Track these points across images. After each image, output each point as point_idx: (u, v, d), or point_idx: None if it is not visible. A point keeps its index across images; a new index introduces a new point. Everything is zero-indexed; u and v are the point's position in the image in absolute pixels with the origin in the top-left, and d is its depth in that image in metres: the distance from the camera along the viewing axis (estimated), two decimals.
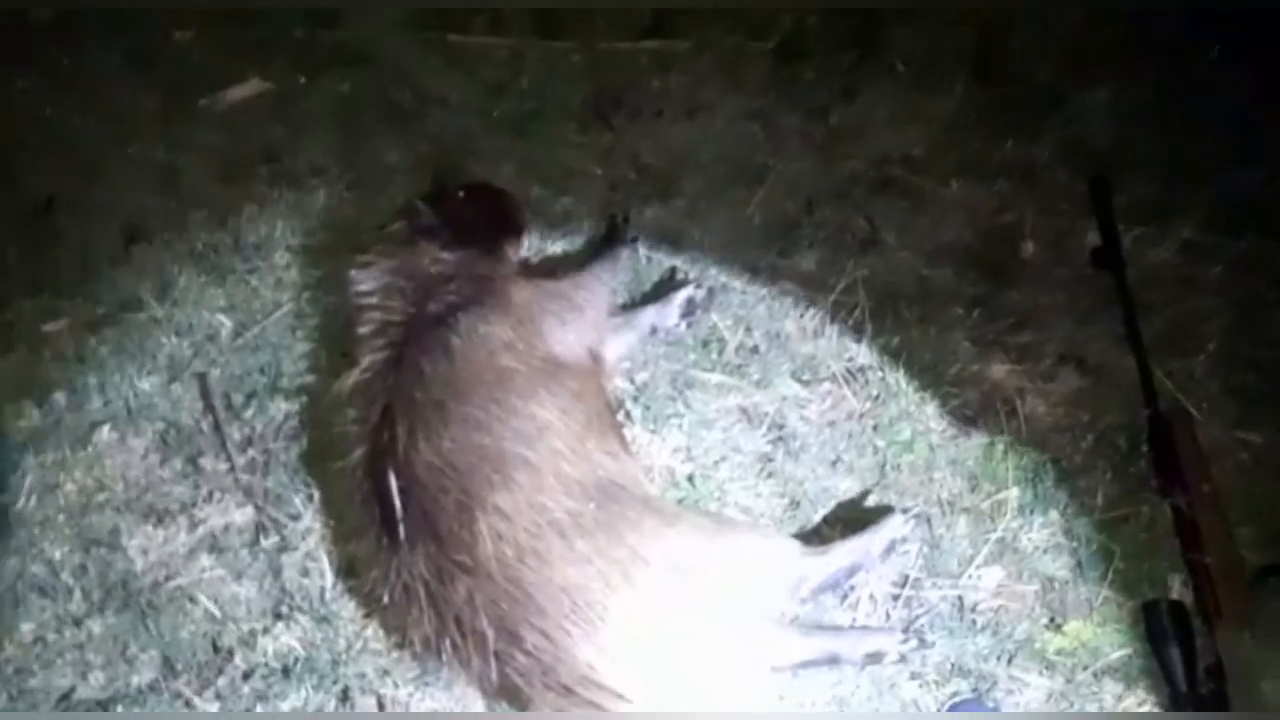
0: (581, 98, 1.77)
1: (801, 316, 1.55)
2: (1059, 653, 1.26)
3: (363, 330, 1.30)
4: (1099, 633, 1.27)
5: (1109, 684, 1.24)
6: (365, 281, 1.33)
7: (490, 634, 1.08)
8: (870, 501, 1.37)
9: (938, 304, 1.56)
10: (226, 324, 1.54)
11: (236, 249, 1.62)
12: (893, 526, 1.24)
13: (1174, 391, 1.46)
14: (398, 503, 1.15)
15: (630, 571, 1.11)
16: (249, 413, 1.45)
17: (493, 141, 1.73)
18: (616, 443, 1.29)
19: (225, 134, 1.77)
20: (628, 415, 1.43)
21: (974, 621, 1.28)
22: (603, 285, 1.45)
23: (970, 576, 1.31)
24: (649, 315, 1.50)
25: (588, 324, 1.38)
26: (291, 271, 1.59)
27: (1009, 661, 1.25)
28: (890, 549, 1.26)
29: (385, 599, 1.17)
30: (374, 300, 1.32)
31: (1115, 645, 1.26)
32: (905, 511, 1.29)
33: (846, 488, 1.39)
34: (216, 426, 1.44)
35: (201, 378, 1.48)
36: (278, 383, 1.47)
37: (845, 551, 1.22)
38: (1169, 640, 1.21)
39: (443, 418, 1.18)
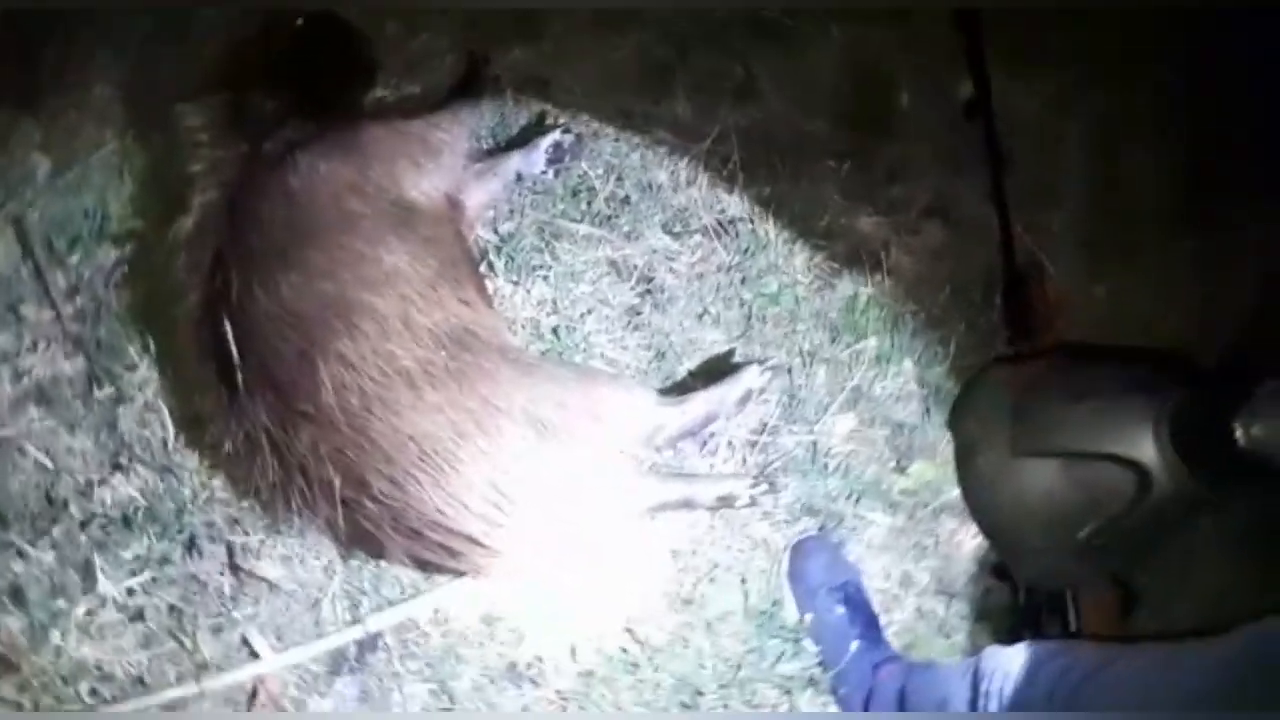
0: None
1: (674, 167, 1.50)
2: (903, 492, 1.33)
3: (194, 169, 1.20)
4: (940, 473, 1.33)
5: (946, 520, 1.32)
6: (193, 116, 1.22)
7: (337, 481, 1.06)
8: (736, 355, 1.38)
9: (811, 155, 1.53)
10: (43, 162, 1.40)
11: (51, 80, 1.44)
12: (749, 377, 1.26)
13: (1031, 246, 1.50)
14: (234, 352, 1.09)
15: (482, 420, 1.09)
16: (74, 259, 1.34)
17: None
18: (474, 291, 1.24)
19: None
20: (490, 266, 1.39)
21: (826, 465, 1.33)
22: (462, 126, 1.37)
23: (825, 423, 1.35)
24: (514, 161, 1.43)
25: (445, 168, 1.31)
26: (115, 107, 1.43)
27: (856, 501, 1.31)
28: (746, 399, 1.27)
29: (228, 449, 1.12)
30: (204, 137, 1.21)
31: (954, 484, 1.32)
32: (763, 363, 1.31)
33: (712, 340, 1.39)
34: (38, 273, 1.32)
35: (18, 221, 1.35)
36: (104, 227, 1.35)
37: (701, 401, 1.23)
38: None
39: (282, 263, 1.11)
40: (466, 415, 1.09)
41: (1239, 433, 0.67)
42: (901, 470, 1.33)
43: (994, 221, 1.47)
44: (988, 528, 1.15)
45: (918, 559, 1.31)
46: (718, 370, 1.35)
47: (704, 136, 1.51)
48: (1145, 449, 0.88)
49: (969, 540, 1.31)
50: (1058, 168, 1.57)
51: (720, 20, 1.61)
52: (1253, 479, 0.70)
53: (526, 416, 1.11)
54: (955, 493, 1.32)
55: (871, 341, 1.41)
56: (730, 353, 1.38)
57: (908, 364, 1.40)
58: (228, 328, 1.10)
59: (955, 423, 1.19)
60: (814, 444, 1.33)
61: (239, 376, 1.09)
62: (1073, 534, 1.04)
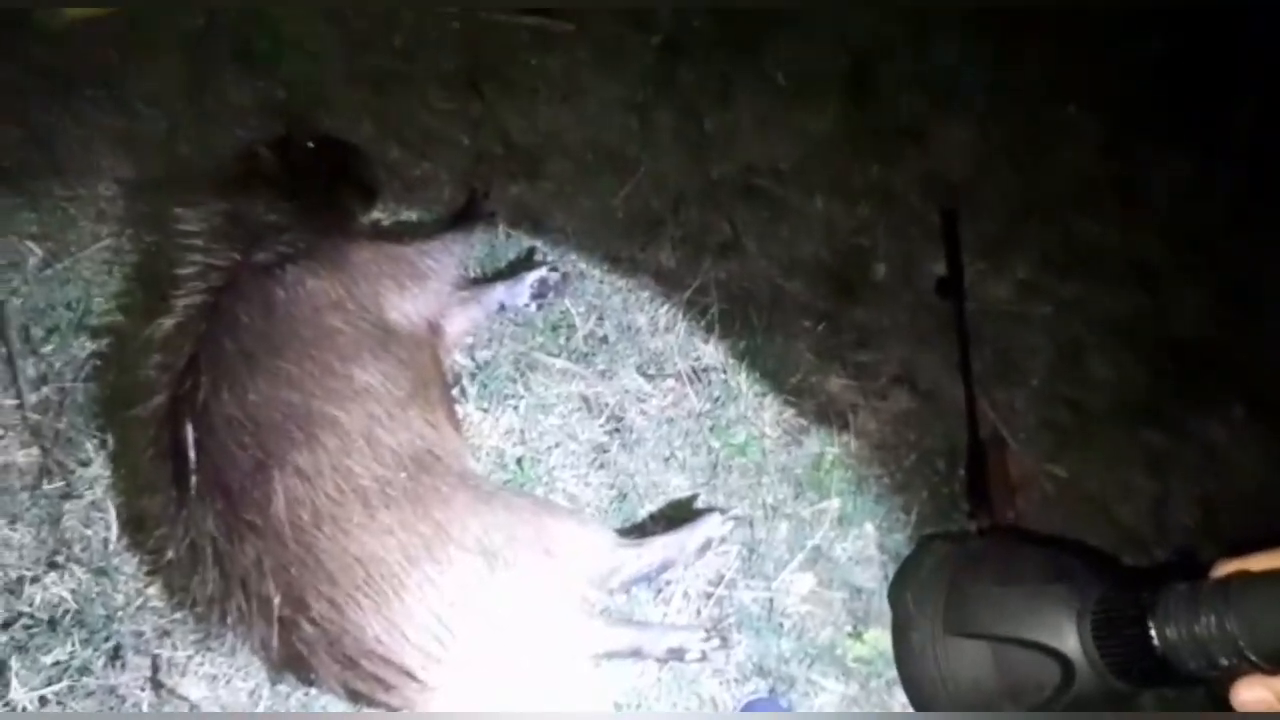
0: (454, 65, 1.71)
1: (654, 312, 1.55)
2: (857, 659, 1.29)
3: (182, 272, 1.22)
4: None
5: (899, 692, 1.27)
6: (191, 221, 1.25)
7: (276, 599, 1.02)
8: (699, 501, 1.38)
9: (787, 314, 1.58)
10: (36, 252, 1.42)
11: (55, 173, 1.49)
12: (710, 526, 1.25)
13: (995, 421, 1.53)
14: (191, 454, 1.08)
15: (433, 546, 1.07)
16: (48, 348, 1.34)
17: (353, 97, 1.66)
18: (443, 415, 1.25)
19: (56, 51, 1.62)
20: (463, 391, 1.40)
21: (781, 625, 1.30)
22: (451, 256, 1.41)
23: (783, 581, 1.33)
24: (498, 292, 1.47)
25: (430, 293, 1.34)
26: (117, 204, 1.47)
27: (809, 665, 1.28)
28: (706, 548, 1.26)
29: (170, 555, 1.09)
30: (198, 242, 1.23)
31: None
32: (725, 513, 1.30)
33: (676, 485, 1.39)
34: (9, 359, 1.32)
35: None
36: (84, 319, 1.36)
37: (660, 546, 1.21)
38: None
39: (250, 370, 1.12)
40: (418, 540, 1.07)
41: (1153, 634, 0.68)
42: (858, 636, 1.31)
43: (959, 393, 1.51)
44: (917, 703, 1.13)
45: None
46: (679, 517, 1.34)
47: (686, 286, 1.57)
48: (1069, 640, 0.88)
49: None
50: (1023, 348, 1.63)
51: (713, 179, 1.71)
52: (1167, 679, 0.70)
53: (479, 546, 1.09)
54: None
55: (835, 502, 1.41)
56: (693, 499, 1.38)
57: (869, 527, 1.40)
58: (189, 429, 1.09)
59: (893, 594, 1.19)
60: (770, 601, 1.31)
61: (192, 480, 1.07)
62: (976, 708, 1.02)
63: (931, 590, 1.09)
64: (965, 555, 1.09)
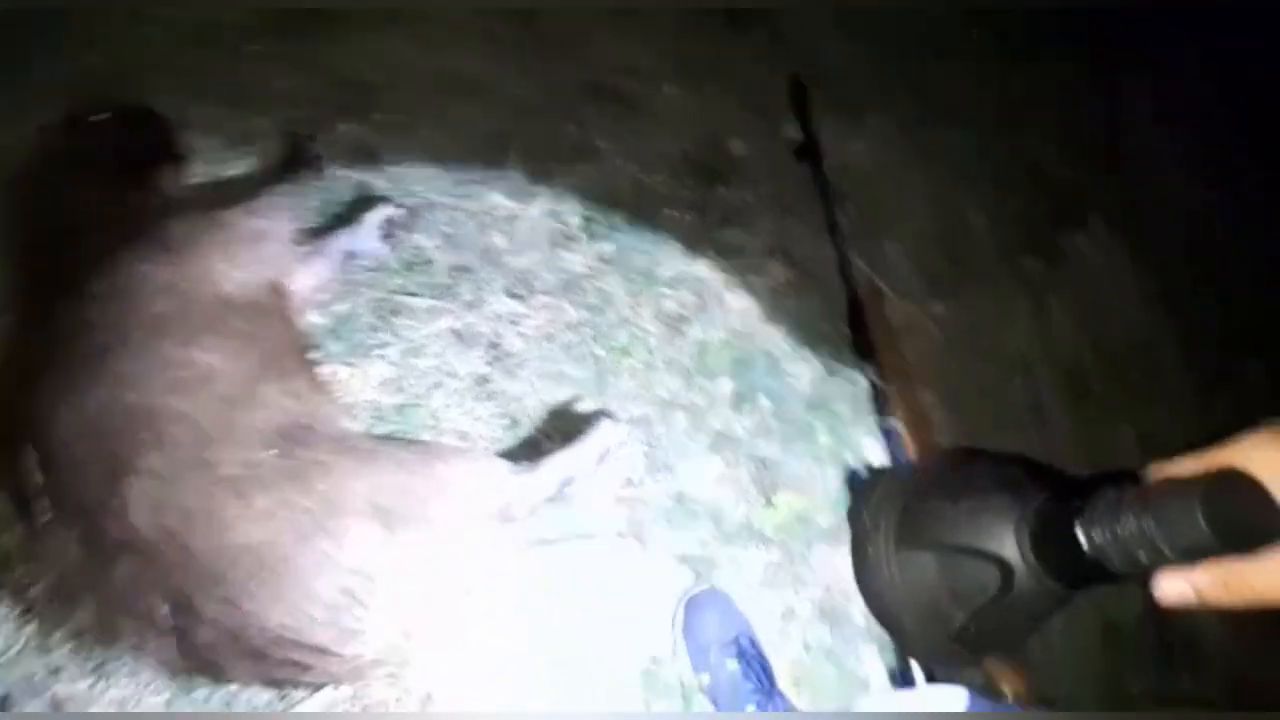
0: (267, 6, 1.56)
1: (513, 230, 1.49)
2: (775, 528, 1.32)
3: None
4: (807, 502, 1.34)
5: (820, 549, 1.32)
6: None
7: (164, 611, 0.96)
8: (591, 411, 1.36)
9: (652, 208, 1.55)
10: None
11: None
12: (604, 433, 1.23)
13: (870, 274, 1.55)
14: (37, 478, 0.99)
15: (323, 520, 1.02)
16: None
17: (164, 54, 1.50)
18: (303, 382, 1.17)
19: None
20: (325, 351, 1.32)
21: (695, 512, 1.31)
22: (282, 211, 1.30)
23: (690, 469, 1.34)
24: (342, 240, 1.38)
25: (265, 255, 1.24)
26: None
27: (729, 543, 1.30)
28: (605, 455, 1.25)
29: (40, 591, 1.02)
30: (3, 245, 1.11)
31: (824, 513, 1.33)
32: (617, 418, 1.29)
33: (567, 399, 1.37)
34: None
35: None
36: None
37: (557, 465, 1.19)
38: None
39: (89, 376, 1.02)
40: (305, 516, 1.02)
41: (1081, 538, 0.75)
42: (770, 505, 1.33)
43: (833, 255, 1.52)
44: (876, 613, 1.22)
45: (798, 590, 1.31)
46: (575, 430, 1.32)
47: (542, 197, 1.51)
48: (1008, 547, 0.96)
49: (846, 565, 1.31)
50: (889, 201, 1.64)
51: (557, 83, 1.63)
52: (1097, 578, 0.79)
53: (372, 508, 1.05)
54: (826, 522, 1.33)
55: (727, 383, 1.41)
56: (586, 411, 1.35)
57: (764, 400, 1.41)
58: (30, 453, 1.00)
59: (852, 514, 1.26)
60: (680, 492, 1.32)
61: (43, 506, 0.98)
62: (945, 626, 1.11)
63: (885, 509, 1.17)
64: (920, 479, 1.17)
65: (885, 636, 1.26)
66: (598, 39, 1.70)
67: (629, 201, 1.55)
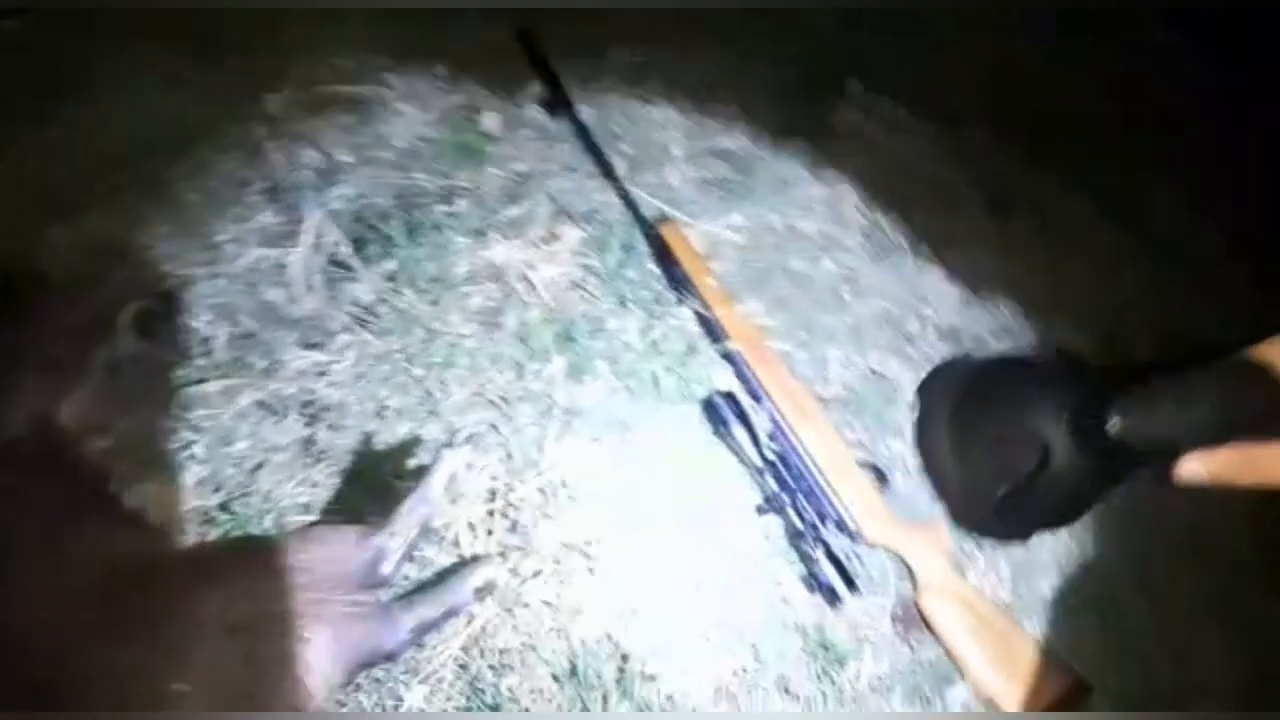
0: None
1: (285, 278, 1.37)
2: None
3: None
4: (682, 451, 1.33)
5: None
6: None
7: None
8: (428, 436, 1.29)
9: (417, 208, 1.47)
10: None
11: None
12: (446, 462, 1.16)
13: (657, 203, 1.54)
14: None
15: (178, 661, 0.92)
16: None
17: None
18: (114, 519, 1.05)
19: None
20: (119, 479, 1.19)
21: (573, 497, 1.28)
22: None
23: (551, 457, 1.30)
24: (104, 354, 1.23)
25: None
26: None
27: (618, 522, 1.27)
28: (453, 480, 1.18)
29: None
30: None
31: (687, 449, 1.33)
32: (454, 436, 1.23)
33: (404, 433, 1.29)
34: None
35: None
36: None
37: (407, 512, 1.11)
38: (731, 425, 1.30)
39: None
40: (158, 661, 0.92)
41: (1113, 421, 0.93)
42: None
43: (617, 200, 1.50)
44: (934, 485, 1.34)
45: None
46: (422, 459, 1.26)
47: (300, 234, 1.40)
48: (1048, 427, 1.12)
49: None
50: (654, 127, 1.62)
51: (277, 107, 1.52)
52: (1126, 461, 0.97)
53: (226, 628, 0.95)
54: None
55: (558, 360, 1.37)
56: (421, 440, 1.28)
57: (600, 364, 1.38)
58: None
59: (920, 392, 1.40)
60: (547, 483, 1.28)
61: None
62: (989, 498, 1.25)
63: (945, 393, 1.36)
64: (974, 368, 1.36)
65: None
66: (305, 55, 1.58)
67: (396, 210, 1.46)
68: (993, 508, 1.24)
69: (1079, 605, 1.28)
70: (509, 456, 1.29)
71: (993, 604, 1.20)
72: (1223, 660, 1.29)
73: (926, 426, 1.34)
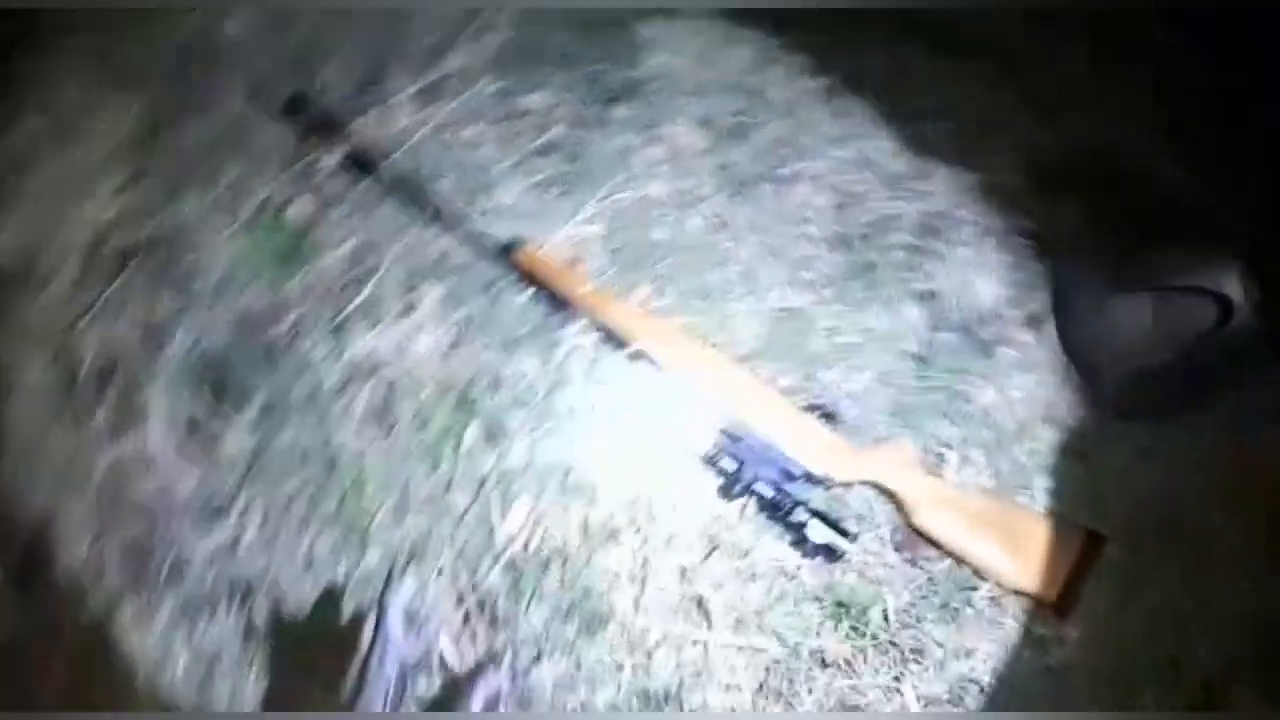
0: None
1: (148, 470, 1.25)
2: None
3: None
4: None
5: None
6: None
7: None
8: (370, 564, 1.19)
9: (259, 333, 1.35)
10: None
11: None
12: (394, 605, 1.05)
13: (501, 228, 1.44)
14: None
15: None
16: None
17: None
18: None
19: None
20: None
21: (542, 564, 1.20)
22: None
23: (503, 536, 1.21)
24: None
25: None
26: None
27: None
28: (410, 616, 1.08)
29: None
30: None
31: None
32: (396, 561, 1.13)
33: (342, 573, 1.19)
34: None
35: None
36: None
37: (377, 677, 1.01)
38: None
39: None
40: None
41: None
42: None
43: (456, 239, 1.40)
44: (1080, 364, 1.20)
45: None
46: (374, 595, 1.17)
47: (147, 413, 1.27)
48: (1230, 283, 0.97)
49: None
50: (469, 155, 1.52)
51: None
52: None
53: None
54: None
55: (470, 429, 1.27)
56: (366, 572, 1.19)
57: (513, 415, 1.28)
58: None
59: (1059, 267, 1.24)
60: (511, 558, 1.19)
61: None
62: (1146, 367, 1.09)
63: (1095, 258, 1.12)
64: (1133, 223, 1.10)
65: None
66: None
67: (238, 344, 1.34)
68: (1148, 383, 1.09)
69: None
70: (461, 552, 1.21)
71: (981, 494, 1.17)
72: None
73: (1071, 301, 1.20)
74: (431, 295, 1.39)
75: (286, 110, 1.51)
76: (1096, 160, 1.37)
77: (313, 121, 1.49)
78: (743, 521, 1.21)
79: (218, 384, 1.31)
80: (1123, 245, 1.17)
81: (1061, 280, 1.24)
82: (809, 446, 1.20)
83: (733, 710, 1.11)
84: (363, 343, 1.35)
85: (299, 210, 1.47)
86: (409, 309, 1.38)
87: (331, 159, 1.48)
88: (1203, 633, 1.08)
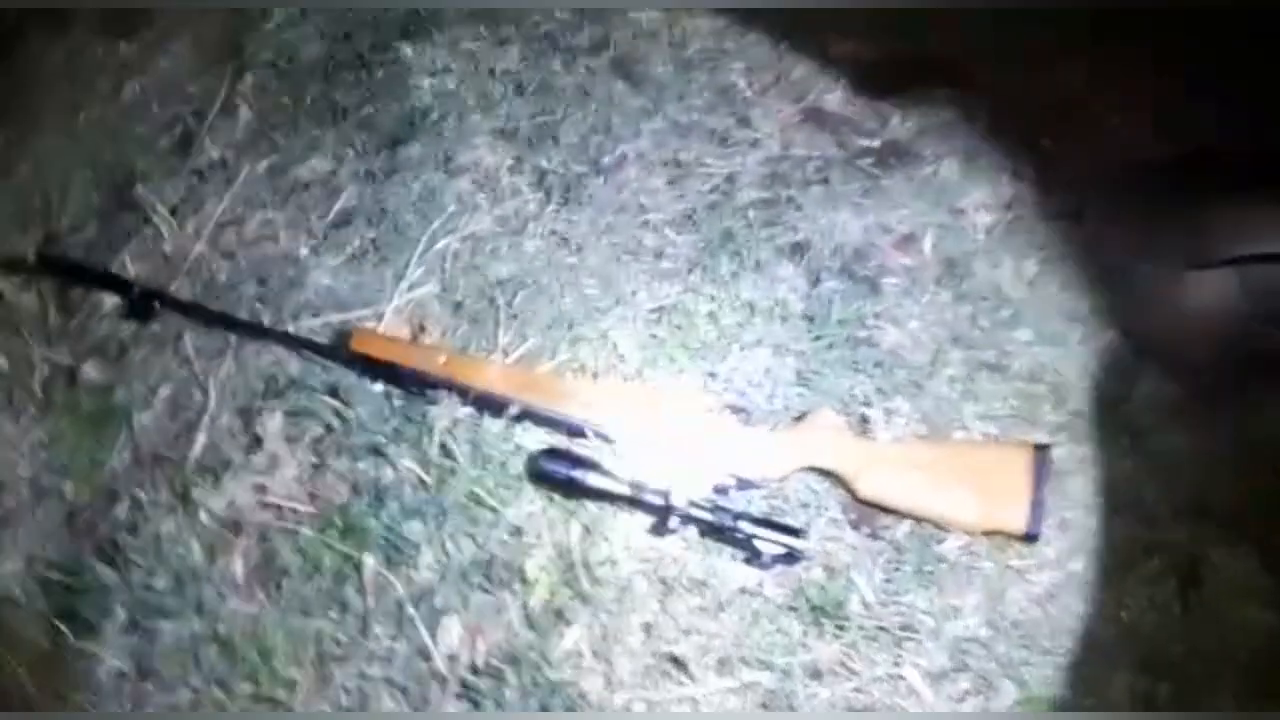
0: None
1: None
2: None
3: None
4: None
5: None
6: None
7: None
8: None
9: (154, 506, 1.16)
10: None
11: None
12: None
13: (323, 320, 1.27)
14: None
15: None
16: None
17: None
18: None
19: None
20: None
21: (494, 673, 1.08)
22: None
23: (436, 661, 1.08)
24: None
25: None
26: None
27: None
28: None
29: None
30: None
31: None
32: None
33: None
34: None
35: None
36: None
37: None
38: (577, 478, 1.11)
39: None
40: None
41: None
42: None
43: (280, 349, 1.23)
44: (1159, 354, 1.04)
45: None
46: None
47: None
48: None
49: None
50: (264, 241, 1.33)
51: None
52: None
53: None
54: None
55: (367, 562, 1.13)
56: None
57: (411, 528, 1.14)
58: None
59: (1122, 254, 1.06)
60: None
61: None
62: (1223, 342, 0.97)
63: (1164, 219, 0.92)
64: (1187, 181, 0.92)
65: None
66: None
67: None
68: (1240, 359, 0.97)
69: None
70: (405, 691, 1.08)
71: (917, 443, 1.10)
72: None
73: (1135, 285, 1.05)
74: (274, 421, 1.21)
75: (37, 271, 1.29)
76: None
77: (70, 273, 1.28)
78: (688, 552, 1.11)
79: (64, 612, 1.12)
80: (1188, 223, 1.04)
81: (1126, 267, 1.12)
82: (730, 452, 1.11)
83: None
84: (217, 499, 1.18)
85: (89, 375, 1.27)
86: (255, 444, 1.20)
87: (105, 307, 1.28)
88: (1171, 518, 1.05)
